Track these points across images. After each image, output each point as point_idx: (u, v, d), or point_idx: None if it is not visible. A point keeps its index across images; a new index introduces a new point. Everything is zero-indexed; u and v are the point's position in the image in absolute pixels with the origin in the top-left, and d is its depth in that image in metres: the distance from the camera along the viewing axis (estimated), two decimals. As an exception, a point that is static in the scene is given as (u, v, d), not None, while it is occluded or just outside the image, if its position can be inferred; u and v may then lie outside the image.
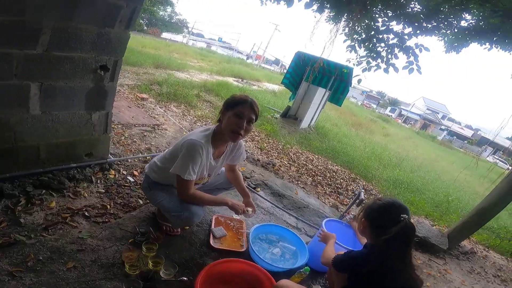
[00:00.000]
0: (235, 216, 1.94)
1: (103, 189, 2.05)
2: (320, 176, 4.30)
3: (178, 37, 29.93)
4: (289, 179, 3.63)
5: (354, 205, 2.41)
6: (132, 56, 7.27)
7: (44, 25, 1.41)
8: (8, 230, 1.51)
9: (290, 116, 6.73)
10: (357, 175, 4.98)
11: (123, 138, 2.95)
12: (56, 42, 1.50)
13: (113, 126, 3.11)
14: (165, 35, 27.44)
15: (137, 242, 1.61)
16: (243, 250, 1.82)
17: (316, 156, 5.28)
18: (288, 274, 1.64)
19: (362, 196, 2.16)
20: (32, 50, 1.44)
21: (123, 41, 1.84)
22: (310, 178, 4.04)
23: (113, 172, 2.26)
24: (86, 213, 1.77)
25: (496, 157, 32.02)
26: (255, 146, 4.51)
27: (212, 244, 1.77)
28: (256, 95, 8.73)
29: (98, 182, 2.09)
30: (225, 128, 1.45)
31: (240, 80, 12.25)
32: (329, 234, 1.65)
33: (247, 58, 34.29)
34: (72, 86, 1.71)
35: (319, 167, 4.68)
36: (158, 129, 3.58)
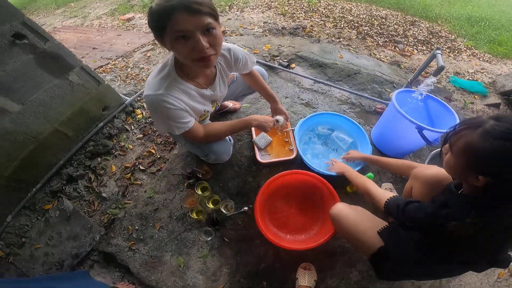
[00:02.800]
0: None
1: (140, 133, 1.94)
2: (366, 26, 3.40)
3: None
4: (327, 39, 2.93)
5: (428, 74, 1.68)
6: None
7: None
8: (102, 207, 1.61)
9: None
10: (415, 16, 3.82)
11: (129, 70, 2.60)
12: None
13: (113, 62, 2.77)
14: None
15: (191, 184, 1.55)
16: (293, 156, 1.57)
17: (354, 3, 4.16)
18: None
19: (441, 61, 1.37)
20: None
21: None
22: (353, 31, 3.22)
23: (138, 111, 2.07)
24: (141, 167, 1.75)
25: None
26: (274, 13, 3.65)
27: (259, 160, 1.56)
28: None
29: (133, 128, 1.97)
30: (184, 60, 0.90)
31: None
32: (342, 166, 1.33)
33: None
34: (13, 69, 1.32)
35: (361, 16, 3.70)
36: (146, 49, 3.03)
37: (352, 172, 1.25)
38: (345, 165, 1.34)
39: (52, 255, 1.44)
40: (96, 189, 1.67)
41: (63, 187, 1.69)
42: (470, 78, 2.61)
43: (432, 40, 3.25)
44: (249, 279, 1.30)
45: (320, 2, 4.07)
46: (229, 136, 1.43)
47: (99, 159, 1.80)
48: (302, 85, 2.18)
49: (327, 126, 1.71)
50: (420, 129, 1.28)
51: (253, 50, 2.59)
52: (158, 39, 0.86)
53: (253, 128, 1.72)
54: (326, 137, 1.68)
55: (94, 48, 3.13)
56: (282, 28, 3.07)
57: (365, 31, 3.24)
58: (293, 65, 2.40)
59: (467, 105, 2.22)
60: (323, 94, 2.10)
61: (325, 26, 3.29)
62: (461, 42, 3.31)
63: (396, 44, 3.02)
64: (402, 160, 1.21)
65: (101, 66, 2.72)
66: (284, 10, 3.67)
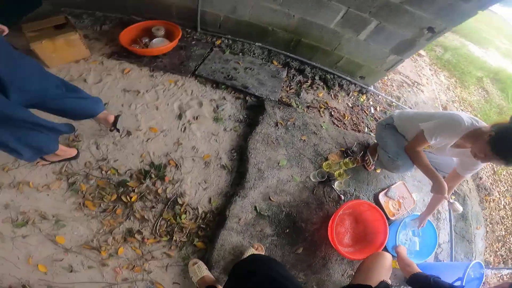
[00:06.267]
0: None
1: (351, 104, 2.55)
2: None
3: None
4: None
5: None
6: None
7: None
8: (291, 96, 2.29)
9: None
10: None
11: (385, 78, 3.20)
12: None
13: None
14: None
15: (346, 154, 1.98)
16: (392, 218, 1.82)
17: None
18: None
19: None
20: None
21: (466, 16, 1.76)
22: None
23: (364, 97, 2.67)
24: (332, 112, 2.37)
25: None
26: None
27: (379, 198, 1.87)
28: None
29: (351, 97, 2.61)
30: (476, 152, 1.26)
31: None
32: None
33: None
34: (397, 32, 1.94)
35: None
36: (416, 87, 3.45)
37: (404, 253, 1.56)
38: (404, 248, 1.62)
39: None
40: (301, 89, 2.39)
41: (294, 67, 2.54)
42: None
43: None
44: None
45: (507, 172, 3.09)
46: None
47: (322, 83, 2.54)
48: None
49: (426, 234, 1.84)
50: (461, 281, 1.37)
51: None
52: (497, 149, 1.16)
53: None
54: (413, 233, 1.83)
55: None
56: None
57: None
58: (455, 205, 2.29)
59: None
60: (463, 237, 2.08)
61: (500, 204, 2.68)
62: None
63: None
64: None
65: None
66: None
